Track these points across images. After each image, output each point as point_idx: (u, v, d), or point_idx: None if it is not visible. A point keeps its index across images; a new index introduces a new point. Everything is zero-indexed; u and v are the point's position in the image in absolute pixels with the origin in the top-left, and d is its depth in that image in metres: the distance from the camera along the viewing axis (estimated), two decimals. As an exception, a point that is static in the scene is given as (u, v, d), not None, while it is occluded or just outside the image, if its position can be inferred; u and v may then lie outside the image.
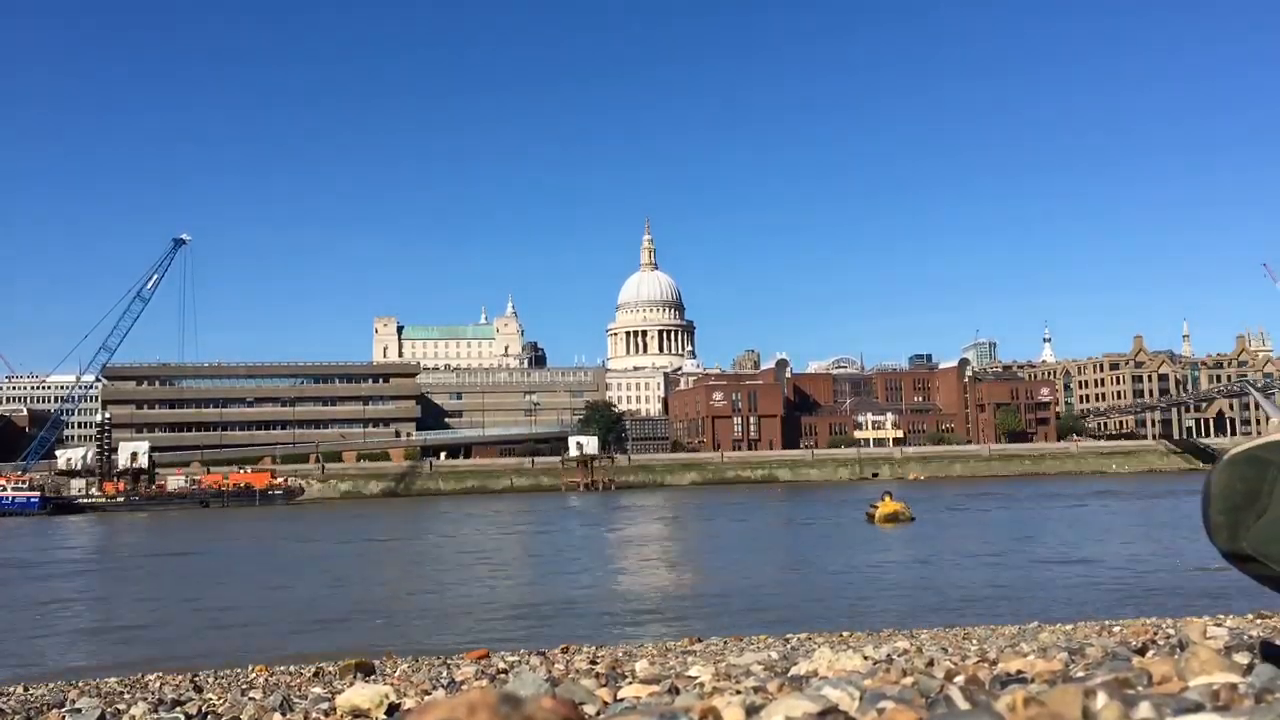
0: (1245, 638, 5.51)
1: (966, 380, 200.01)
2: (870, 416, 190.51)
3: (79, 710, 7.36)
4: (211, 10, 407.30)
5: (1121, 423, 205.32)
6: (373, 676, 10.71)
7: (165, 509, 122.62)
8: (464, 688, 7.38)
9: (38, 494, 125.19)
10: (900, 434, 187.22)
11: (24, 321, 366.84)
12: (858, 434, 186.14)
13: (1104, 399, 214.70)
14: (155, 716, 6.97)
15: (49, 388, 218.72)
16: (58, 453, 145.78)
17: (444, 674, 9.50)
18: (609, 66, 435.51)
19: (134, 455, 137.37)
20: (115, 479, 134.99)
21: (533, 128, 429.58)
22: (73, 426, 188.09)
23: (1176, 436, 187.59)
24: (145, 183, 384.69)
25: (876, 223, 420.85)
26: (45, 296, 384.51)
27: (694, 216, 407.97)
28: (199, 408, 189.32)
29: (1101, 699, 1.74)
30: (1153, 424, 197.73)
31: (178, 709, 7.25)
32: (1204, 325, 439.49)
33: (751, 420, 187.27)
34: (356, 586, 36.02)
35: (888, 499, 61.97)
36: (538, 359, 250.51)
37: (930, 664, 4.86)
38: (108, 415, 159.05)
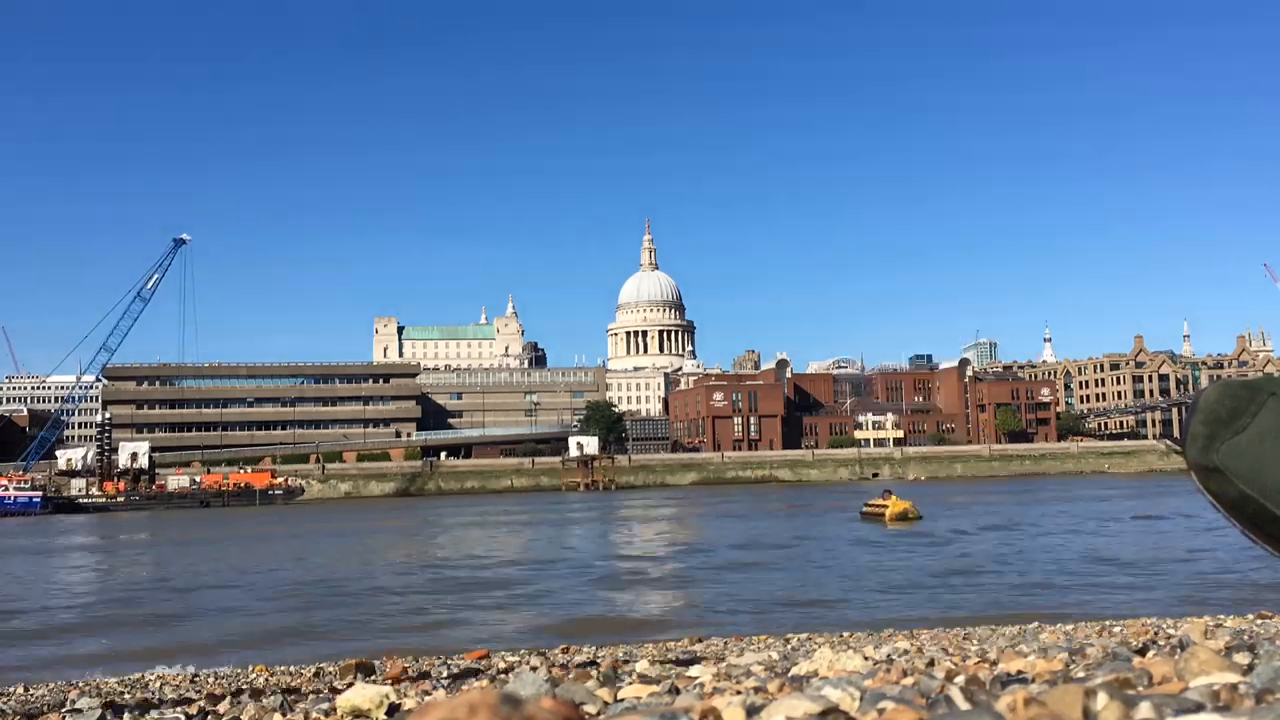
0: (1245, 638, 5.51)
1: (967, 380, 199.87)
2: (870, 416, 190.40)
3: (79, 710, 7.35)
4: (212, 10, 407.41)
5: (1122, 422, 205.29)
6: (373, 676, 10.70)
7: (166, 508, 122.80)
8: (464, 688, 7.37)
9: (39, 494, 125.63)
10: (900, 434, 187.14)
11: (24, 321, 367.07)
12: (858, 434, 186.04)
13: (1104, 399, 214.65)
14: (155, 716, 6.97)
15: (49, 388, 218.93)
16: (58, 453, 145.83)
17: (444, 674, 9.49)
18: (610, 67, 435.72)
19: (134, 455, 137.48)
20: (115, 479, 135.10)
21: (533, 128, 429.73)
22: (73, 426, 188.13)
23: (1176, 436, 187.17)
24: (145, 182, 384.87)
25: (877, 223, 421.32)
26: (46, 297, 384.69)
27: (694, 216, 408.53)
28: (199, 408, 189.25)
29: (1102, 699, 1.74)
30: (1153, 424, 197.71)
31: (178, 709, 7.25)
32: (1204, 325, 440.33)
33: (752, 420, 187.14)
34: (357, 587, 35.99)
35: (893, 498, 61.99)
36: (538, 359, 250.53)
37: (931, 664, 4.86)
38: (108, 415, 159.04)
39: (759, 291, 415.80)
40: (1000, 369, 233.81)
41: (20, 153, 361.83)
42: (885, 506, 60.87)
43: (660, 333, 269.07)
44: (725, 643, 16.68)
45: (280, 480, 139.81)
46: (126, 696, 10.00)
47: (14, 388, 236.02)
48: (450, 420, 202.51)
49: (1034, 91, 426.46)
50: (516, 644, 18.26)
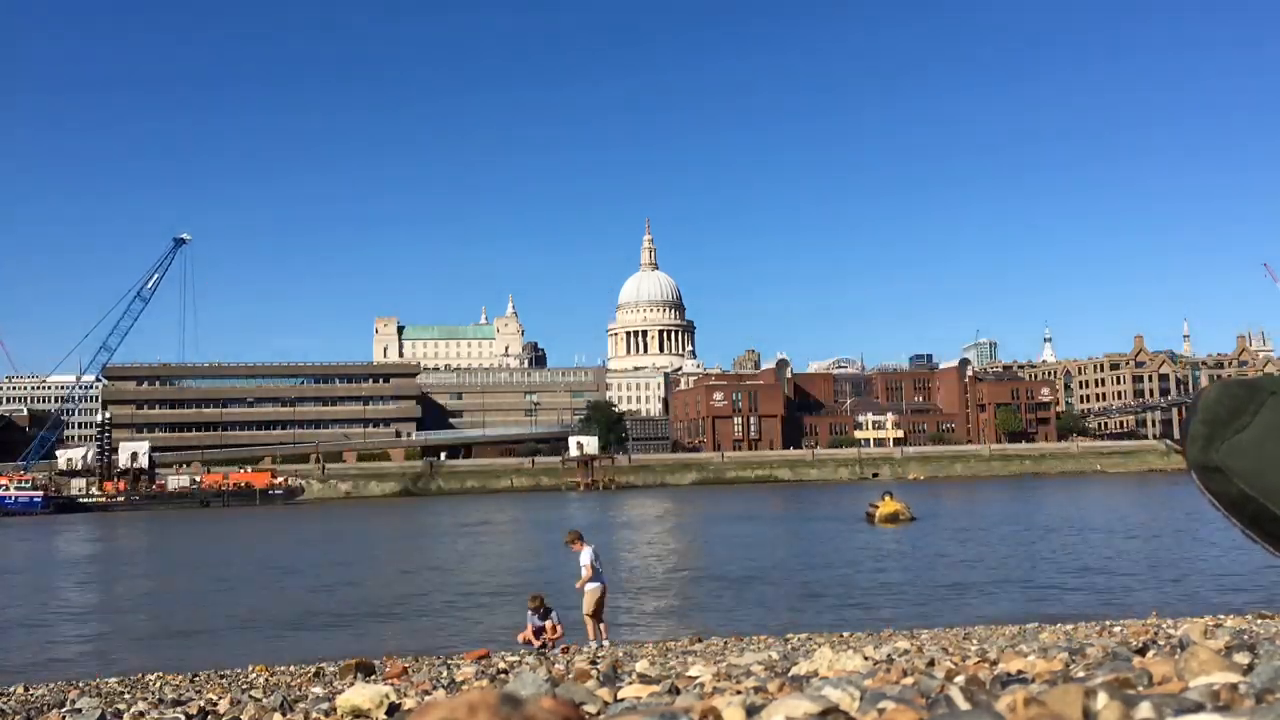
0: (1245, 638, 5.51)
1: (967, 380, 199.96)
2: (871, 416, 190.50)
3: (79, 710, 7.35)
4: (211, 10, 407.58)
5: (1122, 423, 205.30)
6: (373, 676, 10.69)
7: (166, 508, 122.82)
8: (464, 688, 7.37)
9: (41, 494, 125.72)
10: (900, 434, 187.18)
11: (24, 321, 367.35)
12: (858, 434, 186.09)
13: (1104, 399, 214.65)
14: (155, 716, 6.97)
15: (49, 388, 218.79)
16: (58, 453, 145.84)
17: (444, 674, 9.49)
18: (610, 66, 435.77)
19: (134, 455, 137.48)
20: (115, 479, 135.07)
21: (533, 128, 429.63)
22: (73, 426, 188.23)
23: (1177, 436, 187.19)
24: (146, 182, 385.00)
25: (877, 223, 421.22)
26: (45, 296, 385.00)
27: (694, 216, 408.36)
28: (199, 408, 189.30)
29: (1102, 699, 1.73)
30: (1153, 424, 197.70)
31: (178, 709, 7.25)
32: (1204, 325, 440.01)
33: (752, 420, 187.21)
34: (357, 586, 36.01)
35: (888, 499, 61.79)
36: (538, 359, 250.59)
37: (931, 664, 4.86)
38: (108, 415, 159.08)
39: (759, 291, 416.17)
40: (1000, 369, 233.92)
41: (21, 152, 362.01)
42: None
43: (660, 333, 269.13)
44: (725, 643, 16.69)
45: (280, 480, 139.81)
46: (127, 696, 10.01)
47: (14, 388, 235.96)
48: (450, 420, 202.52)
49: (1033, 91, 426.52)
50: (516, 644, 18.27)
